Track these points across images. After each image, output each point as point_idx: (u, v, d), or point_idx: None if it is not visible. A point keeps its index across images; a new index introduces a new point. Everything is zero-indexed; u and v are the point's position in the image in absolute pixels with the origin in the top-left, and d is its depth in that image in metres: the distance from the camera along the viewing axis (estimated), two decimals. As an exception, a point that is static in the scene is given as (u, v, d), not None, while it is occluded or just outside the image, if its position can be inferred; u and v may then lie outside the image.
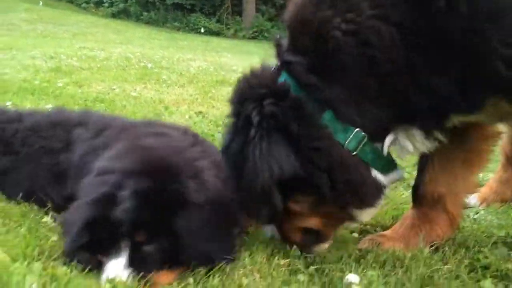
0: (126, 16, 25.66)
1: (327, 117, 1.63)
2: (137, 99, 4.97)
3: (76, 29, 17.02)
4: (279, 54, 1.76)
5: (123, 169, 1.67)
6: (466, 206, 2.18)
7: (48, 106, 3.95)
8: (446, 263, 1.77)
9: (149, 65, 7.46)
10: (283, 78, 1.69)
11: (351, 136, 1.63)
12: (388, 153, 1.75)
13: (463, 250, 1.88)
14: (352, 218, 1.82)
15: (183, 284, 1.57)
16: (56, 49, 8.38)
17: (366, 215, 1.86)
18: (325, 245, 1.89)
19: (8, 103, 3.94)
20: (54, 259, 1.66)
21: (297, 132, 1.62)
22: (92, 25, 19.10)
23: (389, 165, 1.76)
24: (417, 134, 1.70)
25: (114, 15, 25.54)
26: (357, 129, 1.64)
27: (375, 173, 1.73)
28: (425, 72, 1.53)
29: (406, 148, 1.75)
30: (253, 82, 1.73)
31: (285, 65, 1.70)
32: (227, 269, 1.65)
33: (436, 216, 1.96)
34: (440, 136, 1.71)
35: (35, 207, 2.10)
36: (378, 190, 1.75)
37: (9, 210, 2.03)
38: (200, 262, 1.61)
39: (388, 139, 1.72)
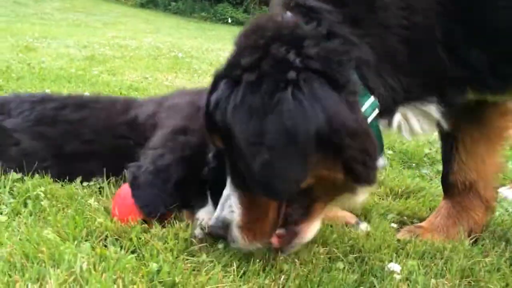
0: (154, 6, 25.88)
1: (355, 74, 1.48)
2: (169, 88, 5.04)
3: (106, 19, 17.31)
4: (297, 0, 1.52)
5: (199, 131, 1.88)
6: (498, 190, 2.13)
7: (85, 93, 4.06)
8: (486, 256, 1.77)
9: (180, 55, 7.54)
10: (311, 25, 1.46)
11: (368, 104, 1.51)
12: (381, 137, 1.60)
13: (503, 244, 1.87)
14: (349, 192, 1.59)
15: (226, 270, 1.61)
16: (89, 38, 8.57)
17: (360, 196, 1.63)
18: (304, 239, 1.66)
19: (47, 91, 4.05)
20: (102, 240, 1.72)
21: (341, 83, 1.41)
22: (122, 15, 19.38)
23: (381, 149, 1.60)
24: (433, 110, 1.61)
25: (142, 5, 25.80)
26: (374, 98, 1.51)
27: None
28: (461, 43, 1.49)
29: (412, 127, 1.65)
30: (281, 21, 1.49)
31: (309, 11, 1.48)
32: (267, 255, 1.69)
33: (470, 203, 1.95)
34: (450, 115, 1.65)
35: (80, 190, 2.18)
36: (378, 169, 1.57)
37: (55, 192, 2.10)
38: None
39: (398, 115, 1.62)
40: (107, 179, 2.21)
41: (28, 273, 1.47)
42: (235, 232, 1.58)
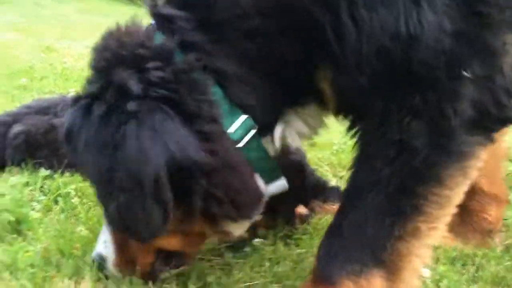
0: (170, 8, 26.03)
1: (216, 92, 1.26)
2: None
3: (123, 20, 17.44)
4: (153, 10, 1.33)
5: None
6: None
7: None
8: (518, 263, 1.75)
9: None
10: (160, 37, 1.27)
11: (238, 124, 1.29)
12: (272, 159, 1.41)
13: (535, 251, 1.85)
14: (222, 234, 1.46)
15: (255, 270, 1.62)
16: (108, 40, 8.62)
17: (238, 229, 1.47)
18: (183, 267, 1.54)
19: (71, 90, 4.10)
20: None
21: (192, 109, 1.23)
22: (138, 17, 19.50)
23: (274, 171, 1.42)
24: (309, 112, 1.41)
25: (158, 7, 26.00)
26: (246, 116, 1.29)
27: (257, 178, 1.38)
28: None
29: (300, 130, 1.44)
30: (125, 40, 1.28)
31: (163, 20, 1.29)
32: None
33: (478, 205, 1.85)
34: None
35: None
36: (258, 200, 1.39)
37: (85, 190, 2.13)
38: None
39: (279, 128, 1.39)
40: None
41: (64, 269, 1.49)
42: (111, 268, 1.46)
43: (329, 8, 1.15)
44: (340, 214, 1.35)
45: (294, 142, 1.43)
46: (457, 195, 1.30)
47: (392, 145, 1.22)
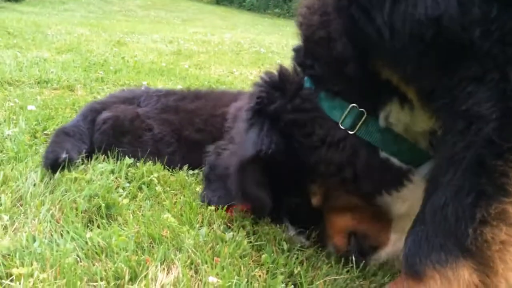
0: (229, 2, 26.36)
1: (321, 95, 1.53)
2: (254, 82, 5.09)
3: (185, 15, 17.89)
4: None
5: None
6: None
7: (178, 86, 4.21)
8: None
9: (262, 50, 7.60)
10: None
11: (345, 113, 1.47)
12: (403, 139, 1.48)
13: None
14: (384, 210, 1.54)
15: (338, 266, 1.60)
16: (173, 34, 8.89)
17: (397, 204, 1.53)
18: (381, 253, 1.62)
19: (144, 83, 4.25)
20: (218, 226, 1.77)
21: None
22: (198, 11, 19.95)
23: (412, 152, 1.48)
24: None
25: (218, 2, 26.40)
26: (352, 105, 1.46)
27: (386, 156, 1.48)
28: None
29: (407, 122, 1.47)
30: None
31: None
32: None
33: None
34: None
35: (188, 178, 2.26)
36: (391, 173, 1.49)
37: (167, 179, 2.19)
38: None
39: (383, 114, 1.47)
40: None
41: (155, 254, 1.53)
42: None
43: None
44: (423, 200, 1.26)
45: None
46: None
47: (460, 117, 1.13)
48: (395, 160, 1.48)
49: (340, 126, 1.48)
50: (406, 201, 1.51)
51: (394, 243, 1.60)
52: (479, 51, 1.10)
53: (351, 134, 1.47)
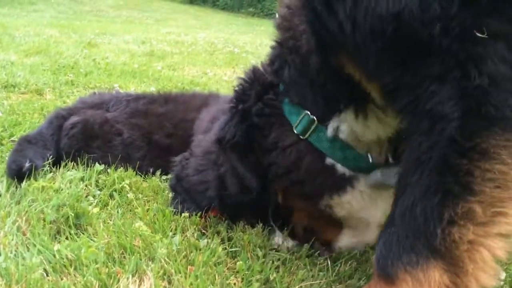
0: (203, 2, 26.21)
1: (286, 100, 1.59)
2: (229, 83, 5.06)
3: (158, 15, 17.68)
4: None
5: None
6: None
7: (151, 88, 4.14)
8: None
9: (235, 50, 7.56)
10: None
11: (299, 119, 1.55)
12: (351, 149, 1.54)
13: None
14: (328, 212, 1.61)
15: (319, 267, 1.59)
16: (145, 34, 8.75)
17: (338, 207, 1.60)
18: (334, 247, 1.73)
19: (116, 85, 4.17)
20: (192, 233, 1.73)
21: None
22: (172, 11, 19.75)
23: (356, 160, 1.54)
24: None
25: (191, 1, 26.20)
26: (306, 112, 1.54)
27: (332, 162, 1.54)
28: None
29: (358, 132, 1.51)
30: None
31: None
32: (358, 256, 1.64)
33: None
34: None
35: (161, 183, 2.21)
36: (334, 179, 1.55)
37: (139, 185, 2.14)
38: None
39: (333, 123, 1.53)
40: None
41: (127, 265, 1.49)
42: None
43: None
44: (393, 201, 1.25)
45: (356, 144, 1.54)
46: None
47: (425, 117, 1.12)
48: (339, 167, 1.55)
49: (294, 131, 1.55)
50: (348, 206, 1.60)
51: (347, 238, 1.72)
52: (440, 49, 1.08)
53: (302, 139, 1.55)
